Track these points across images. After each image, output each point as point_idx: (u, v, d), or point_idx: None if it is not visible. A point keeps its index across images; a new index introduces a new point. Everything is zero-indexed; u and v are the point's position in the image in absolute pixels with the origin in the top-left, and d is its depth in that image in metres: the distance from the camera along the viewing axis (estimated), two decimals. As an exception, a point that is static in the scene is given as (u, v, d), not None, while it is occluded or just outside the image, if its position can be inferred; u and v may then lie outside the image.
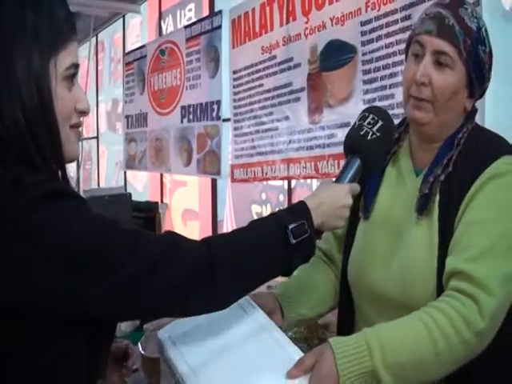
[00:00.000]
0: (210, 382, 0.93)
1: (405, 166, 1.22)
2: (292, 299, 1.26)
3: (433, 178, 1.12)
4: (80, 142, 0.97)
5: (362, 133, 1.10)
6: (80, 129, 0.94)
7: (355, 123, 1.13)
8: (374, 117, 1.11)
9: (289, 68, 2.90)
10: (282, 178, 3.15)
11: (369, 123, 1.10)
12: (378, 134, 1.09)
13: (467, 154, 1.11)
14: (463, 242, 1.05)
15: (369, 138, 1.09)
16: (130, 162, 4.94)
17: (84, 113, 0.91)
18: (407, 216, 1.16)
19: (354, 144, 1.11)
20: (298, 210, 1.00)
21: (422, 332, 0.98)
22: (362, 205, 1.25)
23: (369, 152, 1.10)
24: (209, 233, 4.10)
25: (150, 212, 3.16)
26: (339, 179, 1.09)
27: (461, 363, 1.00)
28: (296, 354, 0.97)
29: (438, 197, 1.11)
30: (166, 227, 4.11)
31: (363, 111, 1.15)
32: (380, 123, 1.10)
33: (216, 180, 3.98)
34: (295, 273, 1.31)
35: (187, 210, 4.69)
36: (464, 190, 1.08)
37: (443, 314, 0.99)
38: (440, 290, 1.06)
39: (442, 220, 1.10)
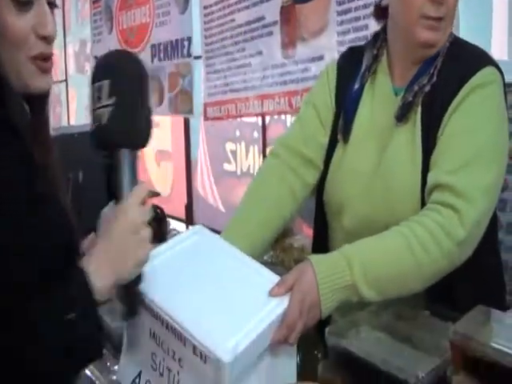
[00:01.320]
0: (186, 307, 0.88)
1: (384, 83, 1.20)
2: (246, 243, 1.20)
3: (418, 87, 1.11)
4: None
5: (102, 122, 0.82)
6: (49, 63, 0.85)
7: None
8: (100, 85, 0.83)
9: (261, 1, 2.84)
10: (256, 115, 3.13)
11: (99, 98, 0.83)
12: (112, 107, 0.81)
13: (450, 65, 1.11)
14: (445, 154, 1.06)
15: (106, 121, 0.81)
16: (101, 104, 4.82)
17: (46, 39, 0.83)
18: (388, 132, 1.15)
19: (101, 142, 0.85)
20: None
21: (401, 245, 1.00)
22: (341, 125, 1.23)
23: (122, 139, 0.83)
24: (183, 173, 4.09)
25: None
26: (116, 197, 0.84)
27: (442, 274, 1.03)
28: (274, 276, 0.98)
29: (420, 108, 1.11)
30: (138, 169, 4.06)
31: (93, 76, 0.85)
32: (108, 85, 0.82)
33: (189, 119, 3.94)
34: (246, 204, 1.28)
35: (160, 151, 4.65)
36: (447, 101, 1.08)
37: (423, 226, 1.00)
38: (424, 206, 1.08)
39: (424, 132, 1.10)
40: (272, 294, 0.94)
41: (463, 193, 1.01)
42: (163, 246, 1.01)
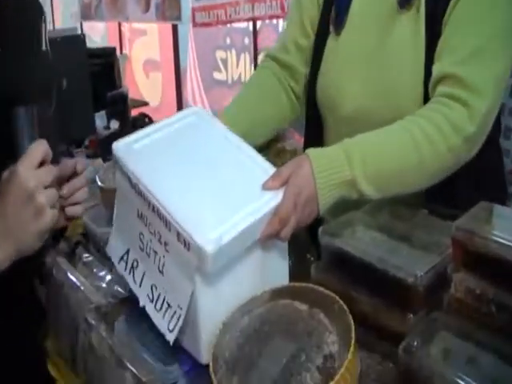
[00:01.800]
0: (173, 190, 0.84)
1: None
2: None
3: None
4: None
5: None
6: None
7: None
8: None
9: None
10: (247, 20, 2.99)
11: None
12: None
13: None
14: (451, 43, 0.98)
15: None
16: (86, 12, 4.61)
17: None
18: (388, 20, 1.05)
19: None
20: None
21: (405, 139, 0.93)
22: (333, 17, 1.13)
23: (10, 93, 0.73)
24: (172, 83, 3.95)
25: (107, 58, 2.98)
26: (16, 158, 0.75)
27: (447, 172, 0.97)
28: (270, 167, 0.91)
29: None
30: (127, 80, 3.94)
31: None
32: None
33: (177, 26, 3.76)
34: (241, 97, 1.24)
35: (148, 60, 4.49)
36: None
37: (429, 120, 0.93)
38: (427, 101, 1.00)
39: (429, 20, 1.00)
40: (266, 187, 0.87)
41: (472, 84, 0.94)
42: (157, 124, 0.95)
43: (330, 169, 0.90)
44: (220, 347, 0.81)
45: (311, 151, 0.93)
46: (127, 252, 0.94)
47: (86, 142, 2.34)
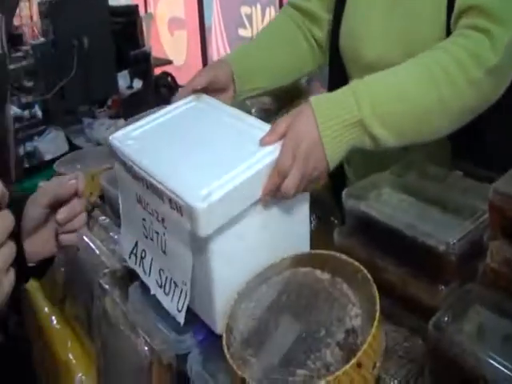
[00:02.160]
0: (165, 162, 0.81)
1: None
2: (250, 72, 1.09)
3: None
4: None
5: None
6: None
7: None
8: None
9: None
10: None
11: None
12: None
13: None
14: None
15: None
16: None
17: None
18: None
19: None
20: None
21: (421, 73, 0.84)
22: None
23: None
24: (197, 41, 3.86)
25: (130, 16, 2.89)
26: None
27: (471, 113, 0.87)
28: (266, 125, 0.85)
29: None
30: (152, 39, 3.86)
31: None
32: None
33: (201, -18, 3.64)
34: (257, 38, 1.18)
35: (173, 18, 4.38)
36: None
37: (447, 52, 0.84)
38: None
39: None
40: (263, 142, 0.81)
41: (495, 14, 0.85)
42: (154, 114, 0.94)
43: (335, 111, 0.81)
44: (234, 318, 0.77)
45: (314, 97, 0.84)
46: (136, 244, 0.91)
47: (109, 102, 2.31)
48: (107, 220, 1.28)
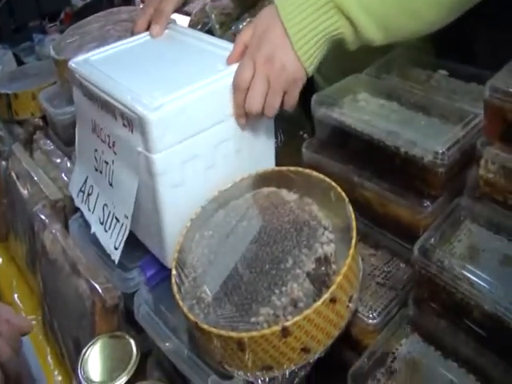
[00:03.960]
0: (121, 79, 0.72)
1: None
2: None
3: None
4: None
5: None
6: None
7: None
8: None
9: None
10: None
11: None
12: None
13: None
14: None
15: None
16: None
17: None
18: None
19: None
20: None
21: None
22: None
23: None
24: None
25: None
26: None
27: (459, 4, 0.74)
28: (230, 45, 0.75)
29: None
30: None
31: None
32: None
33: None
34: None
35: None
36: None
37: None
38: None
39: None
40: (229, 60, 0.71)
41: None
42: (118, 42, 0.86)
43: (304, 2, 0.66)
44: (186, 251, 0.66)
45: None
46: (85, 181, 0.83)
47: (61, 16, 2.12)
48: (50, 145, 1.14)
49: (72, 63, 0.81)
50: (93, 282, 0.74)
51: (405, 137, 0.63)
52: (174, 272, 0.63)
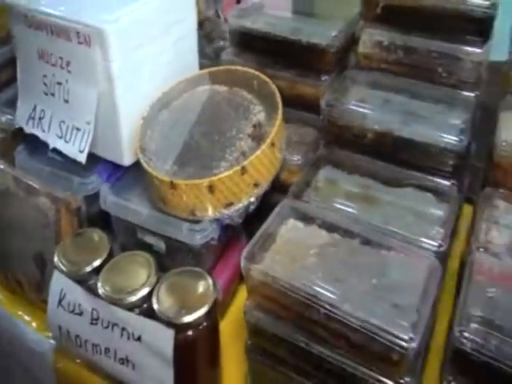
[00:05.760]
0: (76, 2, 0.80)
1: None
2: None
3: None
4: None
5: None
6: None
7: None
8: None
9: None
10: None
11: None
12: None
13: None
14: None
15: None
16: None
17: None
18: None
19: None
20: None
21: None
22: None
23: None
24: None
25: None
26: None
27: None
28: None
29: None
30: None
31: None
32: None
33: None
34: None
35: None
36: None
37: None
38: None
39: None
40: None
41: None
42: None
43: None
44: (144, 143, 0.80)
45: None
46: (34, 109, 0.90)
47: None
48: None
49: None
50: (54, 194, 0.83)
51: (305, 32, 0.85)
52: (140, 156, 0.77)
